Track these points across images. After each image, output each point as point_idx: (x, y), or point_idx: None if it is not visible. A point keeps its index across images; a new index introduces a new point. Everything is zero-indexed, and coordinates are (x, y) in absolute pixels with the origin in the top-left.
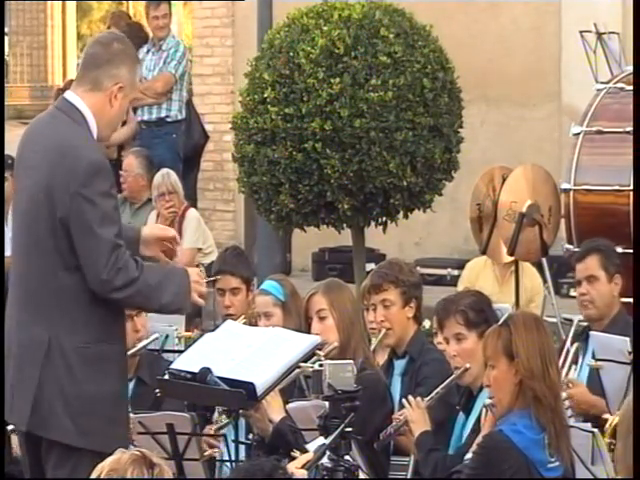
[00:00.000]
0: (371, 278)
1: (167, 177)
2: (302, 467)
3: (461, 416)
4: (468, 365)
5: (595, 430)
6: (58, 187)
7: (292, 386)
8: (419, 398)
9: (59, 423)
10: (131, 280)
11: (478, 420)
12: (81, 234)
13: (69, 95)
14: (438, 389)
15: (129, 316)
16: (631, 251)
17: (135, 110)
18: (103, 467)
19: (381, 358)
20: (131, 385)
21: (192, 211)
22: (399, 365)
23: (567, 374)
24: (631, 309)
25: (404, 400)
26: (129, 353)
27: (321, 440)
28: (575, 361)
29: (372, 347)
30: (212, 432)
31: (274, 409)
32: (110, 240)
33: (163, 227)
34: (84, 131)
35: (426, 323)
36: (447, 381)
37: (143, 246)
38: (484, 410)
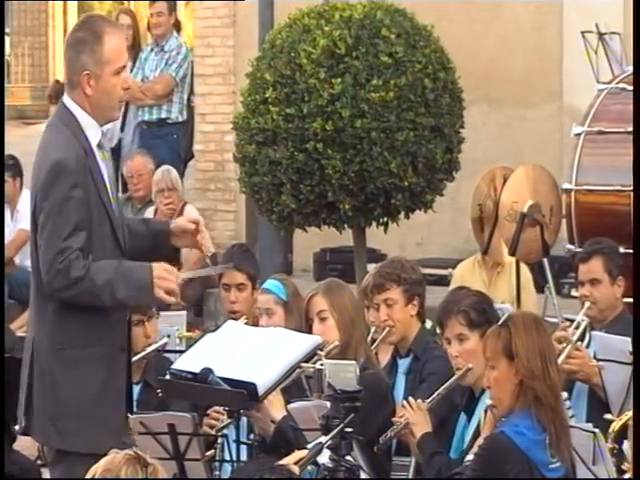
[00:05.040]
0: (373, 277)
1: (167, 174)
2: (295, 464)
3: (462, 417)
4: (470, 365)
5: (596, 430)
6: (32, 187)
7: (293, 386)
8: (420, 400)
9: (42, 426)
10: (73, 280)
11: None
12: (37, 233)
13: (63, 97)
14: (440, 390)
15: (140, 321)
16: (632, 251)
17: (136, 110)
18: (97, 468)
19: (384, 356)
20: (138, 389)
21: (189, 207)
22: (403, 364)
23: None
24: (632, 309)
25: (404, 401)
26: (138, 357)
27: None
28: (582, 337)
29: (374, 346)
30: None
31: (275, 408)
32: (55, 243)
33: (190, 218)
34: (66, 131)
35: (427, 323)
36: (449, 382)
37: (174, 238)
38: (482, 414)
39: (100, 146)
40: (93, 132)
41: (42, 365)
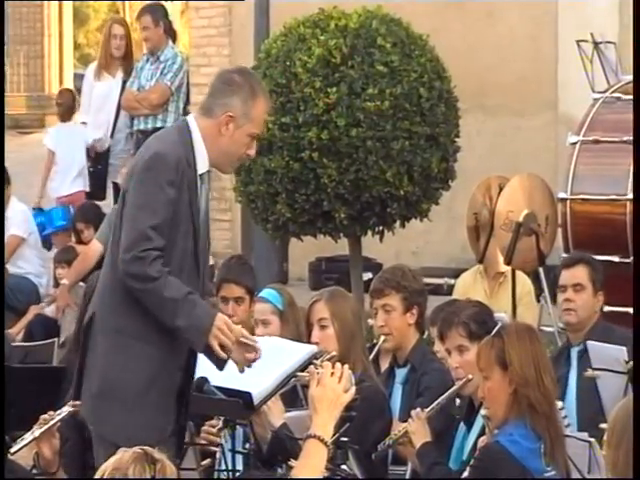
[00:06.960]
0: (374, 282)
1: None
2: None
3: (462, 427)
4: (470, 376)
5: (592, 440)
6: (130, 173)
7: (292, 395)
8: (419, 409)
9: (85, 397)
10: (145, 275)
11: (481, 433)
12: (126, 211)
13: (188, 116)
14: (439, 400)
15: None
16: (627, 261)
17: (132, 119)
18: (106, 467)
19: (385, 363)
20: None
21: None
22: (400, 373)
23: None
24: (616, 318)
25: (409, 419)
26: None
27: None
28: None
29: (372, 354)
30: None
31: (274, 414)
32: (142, 227)
33: (248, 337)
34: (178, 139)
35: None
36: (449, 392)
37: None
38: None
39: (202, 179)
40: (201, 160)
41: (97, 341)
